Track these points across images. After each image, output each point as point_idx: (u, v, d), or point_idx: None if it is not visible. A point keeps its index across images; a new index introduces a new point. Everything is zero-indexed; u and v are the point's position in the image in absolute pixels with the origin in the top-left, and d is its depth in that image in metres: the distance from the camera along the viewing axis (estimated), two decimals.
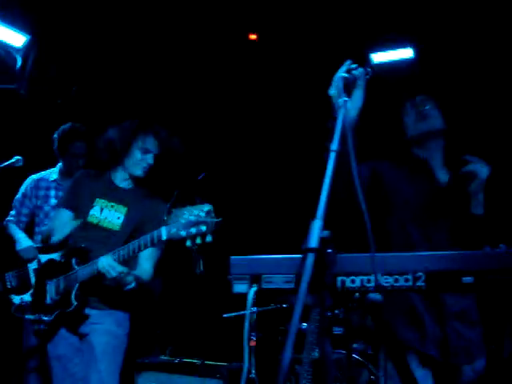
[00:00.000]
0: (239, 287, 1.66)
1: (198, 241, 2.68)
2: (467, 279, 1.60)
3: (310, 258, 1.46)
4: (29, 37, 5.19)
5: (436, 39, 5.34)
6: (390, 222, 2.52)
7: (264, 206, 6.03)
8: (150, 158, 3.22)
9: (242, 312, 4.49)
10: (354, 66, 2.06)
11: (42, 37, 5.31)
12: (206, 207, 2.70)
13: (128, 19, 5.38)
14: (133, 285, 3.03)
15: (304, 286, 1.41)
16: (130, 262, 3.05)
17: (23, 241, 4.12)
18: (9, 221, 4.29)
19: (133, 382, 4.27)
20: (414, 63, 5.54)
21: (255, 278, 1.66)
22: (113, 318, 3.17)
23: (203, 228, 2.66)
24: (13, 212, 4.32)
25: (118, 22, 5.40)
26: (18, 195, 4.36)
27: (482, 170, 2.38)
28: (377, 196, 2.48)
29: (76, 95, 5.68)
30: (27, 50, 5.27)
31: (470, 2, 5.00)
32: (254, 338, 4.36)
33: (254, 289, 1.64)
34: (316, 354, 3.54)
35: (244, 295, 4.56)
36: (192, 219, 2.68)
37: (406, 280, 1.63)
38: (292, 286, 1.65)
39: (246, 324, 1.64)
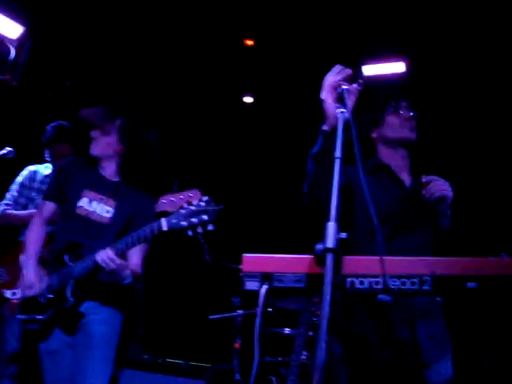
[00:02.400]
0: (250, 284, 1.69)
1: (200, 230, 2.68)
2: (471, 284, 1.66)
3: (330, 258, 1.50)
4: (24, 28, 5.16)
5: (428, 56, 5.45)
6: (356, 222, 2.54)
7: (268, 205, 6.09)
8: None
9: (228, 314, 4.53)
10: (350, 74, 2.13)
11: (37, 29, 5.29)
12: (205, 197, 2.71)
13: (123, 16, 5.39)
14: (130, 279, 3.01)
15: (328, 286, 1.45)
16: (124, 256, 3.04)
17: None
18: (6, 209, 4.19)
19: (116, 381, 4.24)
20: (404, 77, 5.63)
21: (267, 276, 1.69)
22: (108, 310, 3.15)
23: (205, 217, 2.66)
24: (8, 201, 4.21)
25: (113, 19, 5.41)
26: (15, 185, 4.26)
27: (449, 191, 2.43)
28: (348, 198, 2.51)
29: (68, 90, 5.67)
30: (22, 41, 5.24)
31: (464, 20, 5.12)
32: (239, 341, 4.39)
33: (265, 286, 1.67)
34: (304, 357, 3.57)
35: (229, 297, 4.58)
36: (193, 209, 2.68)
37: (413, 283, 1.68)
38: (302, 285, 1.69)
39: (258, 322, 1.67)
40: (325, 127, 2.24)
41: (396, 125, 2.61)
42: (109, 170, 3.28)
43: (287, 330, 4.56)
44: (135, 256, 3.13)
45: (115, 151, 3.24)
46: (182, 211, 2.71)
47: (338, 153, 1.79)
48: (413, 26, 5.24)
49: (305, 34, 5.54)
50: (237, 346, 4.37)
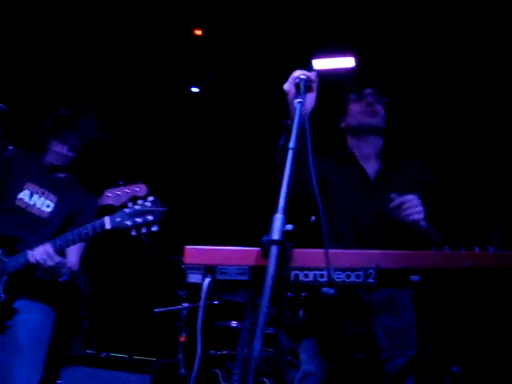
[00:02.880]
0: (193, 277, 1.65)
1: (144, 230, 2.63)
2: (415, 277, 1.67)
3: (275, 250, 1.47)
4: None
5: (377, 51, 5.51)
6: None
7: (217, 198, 6.05)
8: (66, 150, 3.11)
9: (174, 307, 4.47)
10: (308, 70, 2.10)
11: None
12: (151, 197, 2.65)
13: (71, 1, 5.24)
14: (67, 277, 2.92)
15: (270, 278, 1.42)
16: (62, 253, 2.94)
17: None
18: None
19: (57, 377, 4.12)
20: (355, 72, 5.68)
21: (210, 269, 1.65)
22: (39, 307, 3.03)
23: (149, 217, 2.61)
24: None
25: (60, 5, 5.25)
26: None
27: (420, 213, 2.32)
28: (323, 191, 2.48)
29: (10, 74, 5.47)
30: None
31: (412, 16, 5.20)
32: (184, 334, 4.34)
33: (208, 279, 1.63)
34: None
35: (174, 290, 4.51)
36: (137, 208, 2.62)
37: (358, 276, 1.67)
38: (246, 278, 1.65)
39: (200, 315, 1.63)
40: (289, 120, 2.15)
41: (357, 112, 2.57)
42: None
43: (234, 323, 4.54)
44: (73, 253, 3.04)
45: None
46: (127, 210, 2.65)
47: (292, 143, 1.74)
48: (362, 21, 5.29)
49: (255, 26, 5.51)
50: (182, 339, 4.32)
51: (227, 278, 1.65)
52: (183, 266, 1.66)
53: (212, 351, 4.29)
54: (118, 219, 2.66)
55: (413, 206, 2.30)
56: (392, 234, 2.41)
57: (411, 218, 2.29)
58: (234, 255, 1.67)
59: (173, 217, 2.86)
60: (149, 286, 5.56)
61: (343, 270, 1.66)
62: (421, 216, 2.30)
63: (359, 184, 2.54)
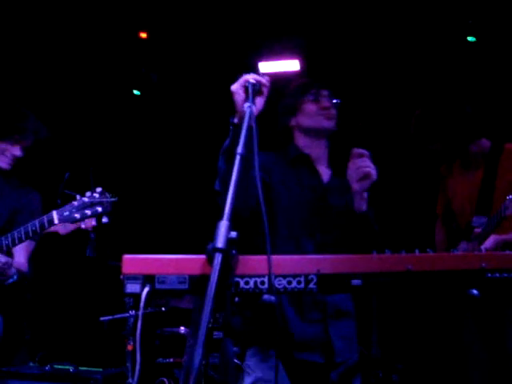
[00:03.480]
0: (132, 287, 1.60)
1: (94, 223, 2.60)
2: (356, 282, 1.67)
3: (218, 258, 1.45)
4: None
5: (321, 55, 5.57)
6: (278, 224, 2.46)
7: (158, 206, 5.98)
8: (19, 151, 3.04)
9: (119, 315, 4.37)
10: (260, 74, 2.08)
11: None
12: (99, 188, 2.62)
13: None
14: (15, 278, 2.84)
15: (213, 287, 1.40)
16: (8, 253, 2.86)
17: None
18: None
19: None
20: (300, 75, 5.72)
21: (149, 278, 1.61)
22: None
23: (99, 209, 2.58)
24: None
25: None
26: None
27: (375, 171, 2.32)
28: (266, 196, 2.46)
29: None
30: None
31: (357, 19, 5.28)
32: (132, 343, 4.25)
33: (147, 289, 1.59)
34: None
35: (121, 297, 4.42)
36: (86, 200, 2.58)
37: (299, 282, 1.65)
38: (186, 286, 1.62)
39: (139, 325, 1.59)
40: (235, 120, 2.13)
41: (312, 113, 2.53)
42: None
43: (182, 329, 4.49)
44: (21, 253, 2.98)
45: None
46: (75, 203, 2.62)
47: (240, 148, 1.71)
48: (307, 24, 5.33)
49: (200, 29, 5.47)
50: (130, 348, 4.22)
51: (166, 287, 1.61)
52: (121, 276, 1.61)
53: (160, 359, 4.22)
54: (66, 213, 2.62)
55: (370, 163, 2.29)
56: (342, 234, 2.41)
57: (367, 169, 2.27)
58: (173, 264, 1.63)
59: (117, 221, 2.81)
60: (94, 293, 5.44)
61: (284, 276, 1.65)
62: (375, 173, 2.28)
63: (312, 186, 2.53)
